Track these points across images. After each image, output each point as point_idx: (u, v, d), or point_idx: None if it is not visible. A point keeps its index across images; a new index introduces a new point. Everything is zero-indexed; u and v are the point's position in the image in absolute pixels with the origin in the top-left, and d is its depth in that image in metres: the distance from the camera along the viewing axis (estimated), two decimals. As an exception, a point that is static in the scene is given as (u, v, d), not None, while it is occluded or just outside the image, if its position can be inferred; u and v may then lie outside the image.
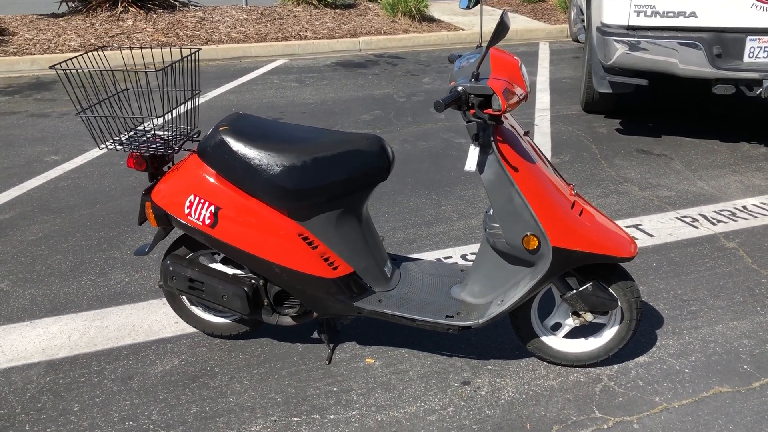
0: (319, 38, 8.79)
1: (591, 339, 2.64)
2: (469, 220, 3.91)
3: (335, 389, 2.56)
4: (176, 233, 3.25)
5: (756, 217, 3.91)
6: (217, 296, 2.57)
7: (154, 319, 2.99)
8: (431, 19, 9.95)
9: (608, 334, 2.60)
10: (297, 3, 10.04)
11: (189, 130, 2.66)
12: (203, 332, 2.85)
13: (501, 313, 2.44)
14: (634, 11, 4.74)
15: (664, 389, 2.55)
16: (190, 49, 2.63)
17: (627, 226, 3.81)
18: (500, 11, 10.96)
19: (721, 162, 4.79)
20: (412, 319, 2.50)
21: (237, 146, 2.39)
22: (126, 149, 2.53)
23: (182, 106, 2.59)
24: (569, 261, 2.36)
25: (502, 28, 1.98)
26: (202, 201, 2.45)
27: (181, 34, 8.55)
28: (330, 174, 2.39)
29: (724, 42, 4.64)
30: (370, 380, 2.61)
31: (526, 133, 2.44)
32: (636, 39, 4.73)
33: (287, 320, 2.66)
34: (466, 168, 2.30)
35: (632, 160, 4.82)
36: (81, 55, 2.53)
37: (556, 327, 2.68)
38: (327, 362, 2.71)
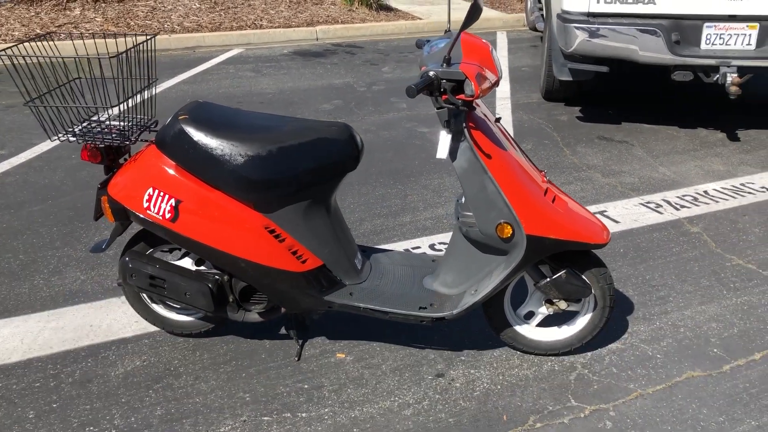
0: (275, 27, 8.63)
1: (564, 327, 2.61)
2: (435, 210, 3.85)
3: (306, 386, 2.48)
4: (134, 228, 3.12)
5: (717, 201, 3.95)
6: (180, 293, 2.46)
7: (113, 319, 2.86)
8: (388, 9, 9.86)
9: (581, 321, 2.57)
10: (251, -8, 9.83)
11: (146, 120, 2.54)
12: (165, 331, 2.73)
13: (475, 303, 2.39)
14: (595, -3, 4.74)
15: (638, 375, 2.53)
16: (146, 35, 2.50)
17: (593, 213, 3.80)
18: (462, 2, 10.95)
19: (681, 148, 4.83)
20: (385, 312, 2.44)
21: (198, 136, 2.28)
22: (80, 140, 2.39)
23: (138, 95, 2.46)
24: (543, 249, 2.32)
25: (475, 10, 1.92)
26: (161, 194, 2.34)
27: (132, 23, 8.29)
28: (297, 163, 2.30)
29: (682, 29, 4.68)
30: (341, 376, 2.54)
31: (498, 120, 2.39)
32: (596, 26, 4.73)
33: (254, 317, 2.56)
34: (438, 155, 2.24)
35: (594, 147, 4.84)
36: (27, 41, 2.38)
37: (529, 316, 2.64)
38: (296, 359, 2.62)
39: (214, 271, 2.53)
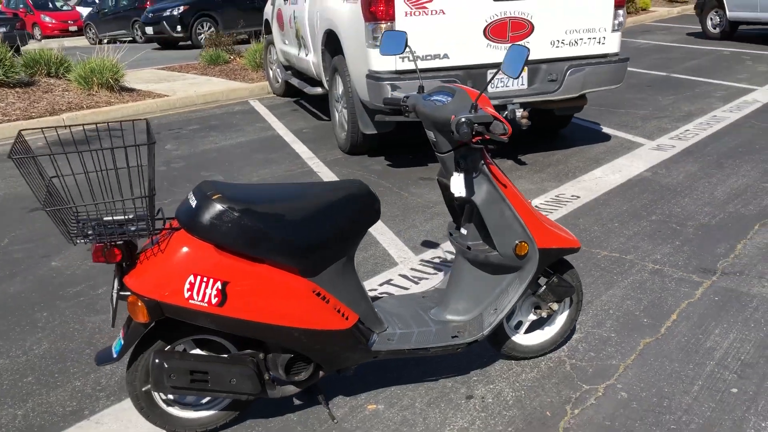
0: (14, 120, 7.81)
1: (547, 328, 2.99)
2: (340, 263, 3.99)
3: (365, 442, 2.49)
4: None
5: (551, 212, 4.72)
6: (225, 382, 2.32)
7: (104, 442, 2.51)
8: (130, 89, 9.52)
9: (561, 319, 2.98)
10: (-35, 85, 8.74)
11: (144, 209, 2.34)
12: (178, 436, 2.50)
13: (499, 320, 2.66)
14: (400, 57, 5.33)
15: (612, 353, 3.01)
16: (133, 122, 2.37)
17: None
18: (197, 77, 10.97)
19: (490, 176, 5.60)
20: (427, 349, 2.58)
21: (239, 212, 2.21)
22: (94, 241, 2.14)
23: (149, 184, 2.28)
24: (549, 258, 2.69)
25: (527, 54, 2.24)
26: (205, 280, 2.21)
27: None
28: (338, 223, 2.37)
29: (473, 77, 5.48)
30: (389, 423, 2.59)
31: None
32: (405, 81, 5.31)
33: (290, 389, 2.51)
34: (456, 194, 2.49)
35: (424, 187, 5.37)
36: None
37: (518, 325, 2.97)
38: (334, 421, 2.60)
39: (249, 351, 2.43)
